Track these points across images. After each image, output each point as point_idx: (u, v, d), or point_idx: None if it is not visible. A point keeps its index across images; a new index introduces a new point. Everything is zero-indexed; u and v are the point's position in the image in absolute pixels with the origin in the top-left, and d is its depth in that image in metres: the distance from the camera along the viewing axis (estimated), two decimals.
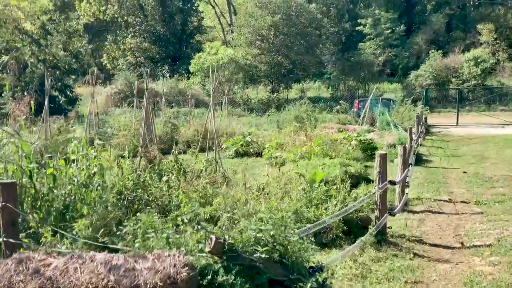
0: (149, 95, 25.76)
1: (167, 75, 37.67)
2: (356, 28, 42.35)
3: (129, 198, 5.83)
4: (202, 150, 16.15)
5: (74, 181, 5.50)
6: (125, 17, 48.82)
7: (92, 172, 5.72)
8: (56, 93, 20.47)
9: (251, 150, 15.15)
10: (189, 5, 46.88)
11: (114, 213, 5.49)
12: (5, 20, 19.42)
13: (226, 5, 57.43)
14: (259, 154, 14.83)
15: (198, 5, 49.66)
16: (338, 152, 13.16)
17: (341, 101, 23.84)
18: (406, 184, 8.49)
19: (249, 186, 6.89)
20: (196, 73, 32.49)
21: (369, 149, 14.34)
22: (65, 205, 5.26)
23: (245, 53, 31.90)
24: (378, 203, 6.15)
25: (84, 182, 5.51)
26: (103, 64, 50.59)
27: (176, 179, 6.25)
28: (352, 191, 7.34)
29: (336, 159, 11.87)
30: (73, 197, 5.39)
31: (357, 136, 15.02)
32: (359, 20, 42.56)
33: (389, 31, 41.02)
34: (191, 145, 16.10)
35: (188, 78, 34.82)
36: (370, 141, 14.85)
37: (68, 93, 20.92)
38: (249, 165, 13.62)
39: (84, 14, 48.58)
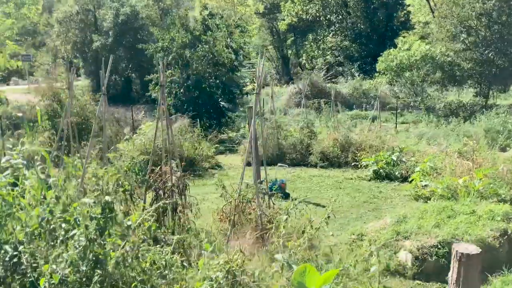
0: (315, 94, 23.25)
1: (356, 74, 34.68)
2: None
3: None
4: (339, 165, 13.17)
5: None
6: (328, 16, 47.34)
7: None
8: (218, 92, 19.90)
9: (396, 173, 11.39)
10: None
11: None
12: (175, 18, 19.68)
13: None
14: (405, 179, 11.02)
15: None
16: None
17: None
18: None
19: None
20: (385, 72, 28.61)
21: None
22: None
23: (446, 48, 26.53)
24: None
25: None
26: (302, 63, 50.35)
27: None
28: None
29: (503, 206, 7.47)
30: None
31: None
32: None
33: None
34: (326, 158, 13.31)
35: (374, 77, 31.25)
36: None
37: (229, 93, 20.13)
38: (378, 195, 10.10)
39: (287, 14, 49.01)
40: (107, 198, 3.85)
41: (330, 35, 47.43)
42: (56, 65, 45.70)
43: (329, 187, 10.78)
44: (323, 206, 9.24)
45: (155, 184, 5.72)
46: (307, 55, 49.15)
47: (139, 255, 3.87)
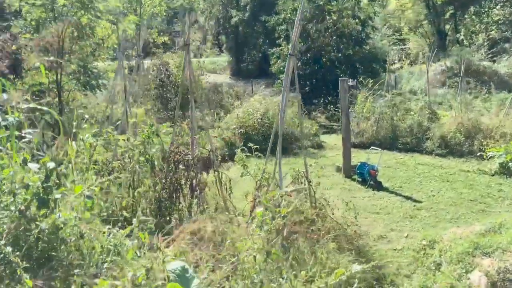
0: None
1: None
2: None
3: None
4: (460, 155, 11.02)
5: None
6: None
7: None
8: (342, 68, 18.45)
9: None
10: None
11: None
12: None
13: None
14: None
15: None
16: None
17: None
18: None
19: None
20: None
21: None
22: None
23: None
24: None
25: None
26: (460, 39, 44.90)
27: None
28: None
29: None
30: None
31: None
32: None
33: None
34: (446, 144, 11.31)
35: None
36: None
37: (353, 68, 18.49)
38: (495, 194, 8.11)
39: None
40: (50, 164, 3.33)
41: (498, 6, 41.30)
42: (206, 40, 48.29)
43: (435, 178, 8.99)
44: (415, 201, 7.73)
45: (172, 156, 5.10)
46: (466, 30, 43.65)
47: (83, 234, 3.31)
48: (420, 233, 6.19)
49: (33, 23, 12.88)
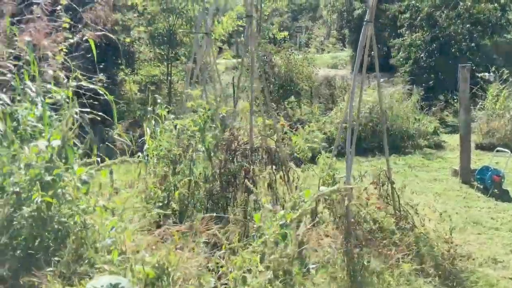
0: None
1: None
2: None
3: None
4: None
5: None
6: None
7: None
8: (476, 60, 16.07)
9: None
10: None
11: None
12: None
13: None
14: None
15: None
16: None
17: None
18: None
19: None
20: None
21: None
22: None
23: None
24: None
25: None
26: None
27: None
28: None
29: None
30: None
31: None
32: None
33: None
34: None
35: None
36: None
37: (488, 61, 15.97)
38: None
39: None
40: (55, 142, 2.91)
41: None
42: (330, 35, 47.09)
43: None
44: None
45: (228, 143, 4.42)
46: None
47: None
48: None
49: (148, 16, 13.30)
